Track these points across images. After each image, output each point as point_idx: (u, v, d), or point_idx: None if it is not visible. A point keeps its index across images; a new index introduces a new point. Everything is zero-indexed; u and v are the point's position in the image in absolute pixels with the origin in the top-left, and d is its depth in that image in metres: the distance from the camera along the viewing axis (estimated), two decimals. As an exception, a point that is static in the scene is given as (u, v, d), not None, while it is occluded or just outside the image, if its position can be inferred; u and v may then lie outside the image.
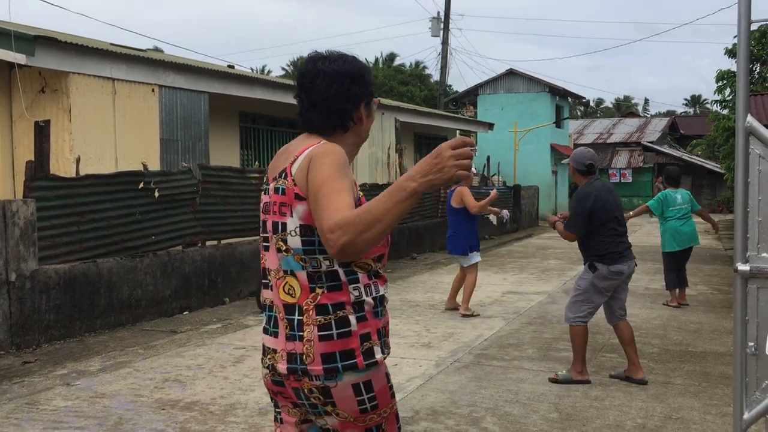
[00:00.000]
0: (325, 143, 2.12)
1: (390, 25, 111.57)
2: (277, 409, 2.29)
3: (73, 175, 8.02)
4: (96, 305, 7.58)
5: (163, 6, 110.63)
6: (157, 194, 8.47)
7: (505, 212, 9.34)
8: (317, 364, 2.08)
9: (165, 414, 4.87)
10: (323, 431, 2.23)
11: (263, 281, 2.25)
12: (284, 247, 2.14)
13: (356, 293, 2.12)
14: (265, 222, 2.21)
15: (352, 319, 2.10)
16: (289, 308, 2.13)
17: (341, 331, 2.09)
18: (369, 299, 2.14)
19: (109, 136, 9.79)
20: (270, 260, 2.20)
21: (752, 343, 2.99)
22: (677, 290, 9.22)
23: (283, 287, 2.15)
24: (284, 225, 2.13)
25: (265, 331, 2.22)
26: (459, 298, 8.81)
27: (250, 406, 5.06)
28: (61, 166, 9.00)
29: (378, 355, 2.14)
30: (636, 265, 5.76)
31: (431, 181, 1.86)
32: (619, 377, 5.77)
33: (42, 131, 7.34)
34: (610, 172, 37.38)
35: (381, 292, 2.20)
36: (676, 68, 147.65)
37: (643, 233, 22.40)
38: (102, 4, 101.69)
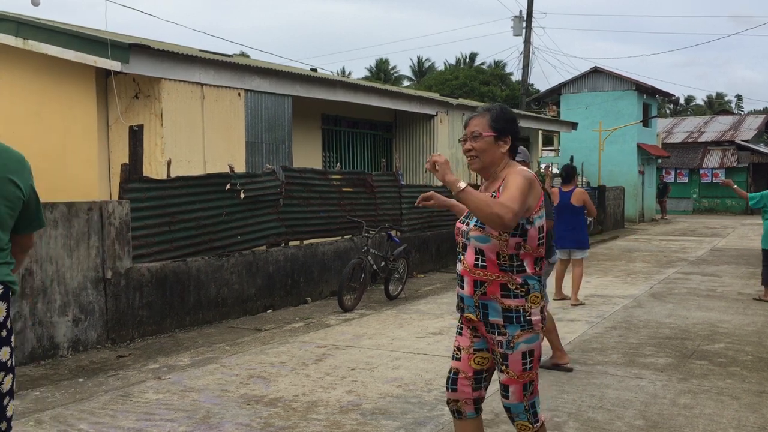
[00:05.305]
0: None
1: (471, 25, 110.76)
2: None
3: (165, 177, 8.32)
4: (185, 302, 7.87)
5: (249, 11, 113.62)
6: (242, 195, 8.72)
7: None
8: None
9: (250, 409, 5.02)
10: None
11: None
12: None
13: None
14: None
15: None
16: None
17: None
18: None
19: (198, 139, 10.14)
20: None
21: None
22: None
23: None
24: None
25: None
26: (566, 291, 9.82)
27: (332, 403, 5.14)
28: (153, 168, 9.37)
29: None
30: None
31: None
32: (545, 366, 5.86)
33: (136, 135, 7.63)
34: (702, 172, 35.91)
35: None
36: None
37: (737, 236, 21.46)
38: (190, 11, 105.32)
